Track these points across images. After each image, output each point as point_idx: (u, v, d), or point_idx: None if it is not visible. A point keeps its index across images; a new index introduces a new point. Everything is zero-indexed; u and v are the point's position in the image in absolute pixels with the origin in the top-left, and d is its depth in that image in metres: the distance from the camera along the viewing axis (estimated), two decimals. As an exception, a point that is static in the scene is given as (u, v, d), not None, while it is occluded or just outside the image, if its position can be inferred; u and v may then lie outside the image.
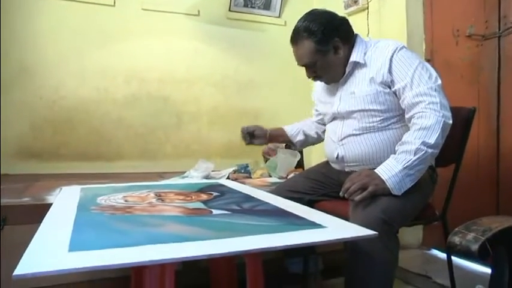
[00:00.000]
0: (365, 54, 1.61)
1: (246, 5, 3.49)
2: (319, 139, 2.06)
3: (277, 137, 2.08)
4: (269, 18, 3.62)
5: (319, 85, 1.88)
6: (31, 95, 2.95)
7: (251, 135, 1.97)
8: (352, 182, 1.37)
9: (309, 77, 1.72)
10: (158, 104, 3.28)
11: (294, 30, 1.65)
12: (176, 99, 3.33)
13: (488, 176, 2.14)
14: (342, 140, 1.66)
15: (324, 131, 1.97)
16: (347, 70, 1.64)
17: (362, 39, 1.67)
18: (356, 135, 1.62)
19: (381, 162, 1.47)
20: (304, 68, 1.69)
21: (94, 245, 0.90)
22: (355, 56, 1.61)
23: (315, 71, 1.66)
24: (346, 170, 1.69)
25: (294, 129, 2.05)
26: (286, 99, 3.66)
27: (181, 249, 0.87)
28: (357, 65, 1.62)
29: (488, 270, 1.01)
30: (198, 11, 3.37)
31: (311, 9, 1.68)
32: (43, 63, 2.97)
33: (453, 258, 1.67)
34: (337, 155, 1.68)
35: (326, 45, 1.59)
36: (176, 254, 0.83)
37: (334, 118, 1.74)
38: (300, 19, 1.64)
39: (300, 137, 2.04)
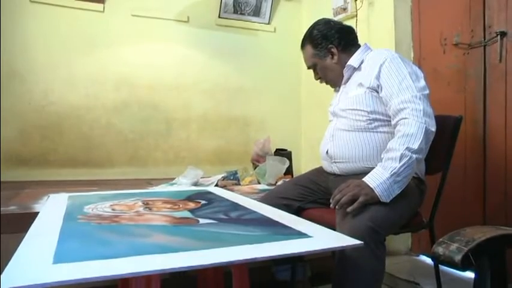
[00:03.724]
0: (362, 60, 1.73)
1: (235, 12, 3.50)
2: None
3: None
4: (259, 25, 3.63)
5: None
6: (19, 100, 2.93)
7: None
8: (342, 194, 1.38)
9: (316, 80, 1.91)
10: (148, 111, 3.27)
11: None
12: (166, 106, 3.33)
13: (475, 184, 2.16)
14: (332, 135, 1.74)
15: None
16: (345, 74, 1.77)
17: (368, 48, 1.80)
18: (345, 130, 1.68)
19: (366, 162, 1.61)
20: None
21: (79, 256, 0.89)
22: (351, 61, 1.75)
23: (318, 74, 1.86)
24: (334, 168, 1.73)
25: None
26: (276, 106, 3.68)
27: (166, 260, 0.87)
28: (354, 69, 1.75)
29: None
30: (188, 18, 3.38)
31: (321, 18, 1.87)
32: (32, 68, 2.96)
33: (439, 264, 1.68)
34: (327, 150, 1.74)
35: (322, 50, 1.78)
36: (160, 265, 0.83)
37: (332, 117, 1.84)
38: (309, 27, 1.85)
39: None
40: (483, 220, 2.11)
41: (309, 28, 1.84)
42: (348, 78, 1.78)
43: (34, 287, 0.73)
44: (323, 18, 1.85)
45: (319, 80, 1.89)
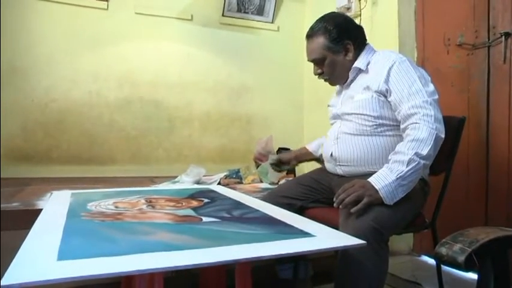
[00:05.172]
0: (369, 62, 1.68)
1: (239, 10, 3.50)
2: None
3: (304, 156, 2.10)
4: (262, 24, 3.63)
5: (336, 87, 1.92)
6: (23, 96, 2.93)
7: (278, 164, 2.05)
8: (347, 194, 1.38)
9: (315, 74, 1.81)
10: (150, 108, 3.28)
11: (310, 27, 1.76)
12: (168, 104, 3.33)
13: (477, 185, 2.16)
14: (337, 138, 1.71)
15: None
16: (350, 75, 1.72)
17: (372, 49, 1.75)
18: (350, 134, 1.66)
19: (371, 166, 1.59)
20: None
21: (83, 253, 0.90)
22: (358, 63, 1.70)
23: (321, 68, 1.75)
24: (337, 170, 1.73)
25: (315, 144, 2.07)
26: (278, 104, 3.68)
27: (169, 258, 0.87)
28: (360, 71, 1.70)
29: (476, 277, 1.01)
30: (191, 16, 3.38)
31: (330, 11, 1.81)
32: (35, 65, 2.96)
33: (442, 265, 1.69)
34: (332, 153, 1.73)
35: (337, 45, 1.69)
36: (164, 263, 0.83)
37: (335, 120, 1.80)
38: (318, 19, 1.76)
39: (321, 151, 2.04)
40: (485, 221, 2.10)
41: (323, 19, 1.74)
42: (352, 80, 1.74)
43: (39, 283, 0.74)
44: (334, 12, 1.80)
45: (318, 76, 1.80)
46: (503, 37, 2.00)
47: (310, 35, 1.75)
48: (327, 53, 1.71)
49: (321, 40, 1.70)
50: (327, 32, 1.69)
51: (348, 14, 2.89)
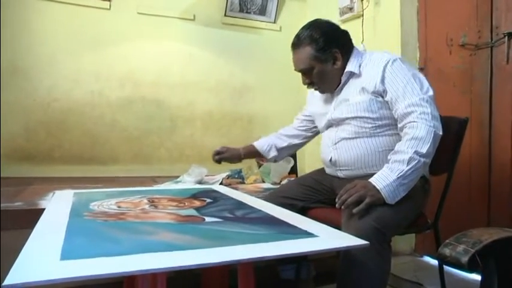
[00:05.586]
0: (360, 65, 1.65)
1: (241, 10, 3.51)
2: (295, 148, 2.09)
3: (252, 154, 2.09)
4: (264, 24, 3.64)
5: (317, 93, 1.85)
6: (25, 97, 2.94)
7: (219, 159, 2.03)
8: (349, 194, 1.37)
9: (304, 84, 1.74)
10: (152, 108, 3.28)
11: (295, 36, 1.69)
12: (170, 103, 3.34)
13: (480, 185, 2.15)
14: (335, 144, 1.69)
15: (304, 138, 2.03)
16: (342, 80, 1.68)
17: (359, 51, 1.71)
18: (349, 139, 1.64)
19: (372, 167, 1.58)
20: (299, 75, 1.72)
21: (86, 253, 0.90)
22: (350, 67, 1.65)
23: (310, 78, 1.69)
24: (338, 174, 1.72)
25: (266, 145, 2.05)
26: (280, 104, 3.67)
27: (172, 258, 0.87)
28: (352, 75, 1.66)
29: (479, 278, 1.01)
30: (194, 16, 3.38)
31: (315, 18, 1.73)
32: (37, 65, 2.97)
33: (445, 265, 1.68)
34: (331, 158, 1.71)
35: (325, 54, 1.63)
36: (167, 263, 0.83)
37: (329, 126, 1.76)
38: (303, 26, 1.69)
39: (273, 153, 2.04)
40: (487, 222, 2.10)
41: (309, 27, 1.67)
42: (343, 85, 1.69)
43: (42, 283, 0.74)
44: (319, 19, 1.71)
45: (307, 86, 1.74)
46: (506, 37, 2.00)
47: (296, 45, 1.68)
48: (315, 63, 1.64)
49: (307, 50, 1.64)
50: (313, 41, 1.63)
51: (350, 14, 2.90)
